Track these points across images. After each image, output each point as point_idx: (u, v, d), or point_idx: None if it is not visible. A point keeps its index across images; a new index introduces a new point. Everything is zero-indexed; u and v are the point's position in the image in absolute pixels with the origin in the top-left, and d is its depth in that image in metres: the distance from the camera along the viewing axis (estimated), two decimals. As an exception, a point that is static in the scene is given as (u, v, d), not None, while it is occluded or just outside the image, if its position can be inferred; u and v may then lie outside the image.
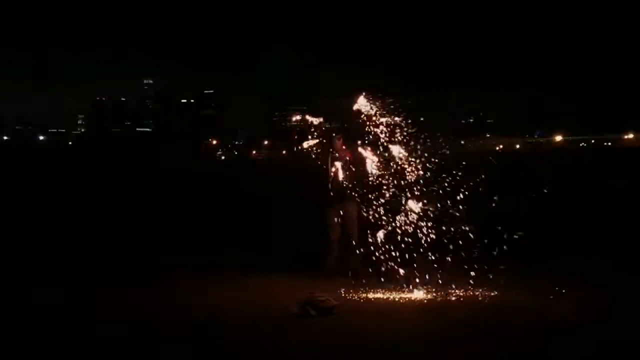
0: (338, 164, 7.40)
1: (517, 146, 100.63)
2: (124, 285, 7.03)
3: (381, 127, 7.07)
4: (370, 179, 7.07)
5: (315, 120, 7.62)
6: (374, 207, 6.96)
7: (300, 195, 10.41)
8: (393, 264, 6.75)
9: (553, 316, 5.50)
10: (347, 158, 7.44)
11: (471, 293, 6.39)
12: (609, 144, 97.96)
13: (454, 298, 6.28)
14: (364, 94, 7.19)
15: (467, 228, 6.70)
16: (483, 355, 4.66)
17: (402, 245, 6.75)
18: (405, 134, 7.01)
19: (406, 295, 6.44)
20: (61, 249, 9.25)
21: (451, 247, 6.70)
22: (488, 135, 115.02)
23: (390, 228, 6.81)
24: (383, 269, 6.76)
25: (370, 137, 7.16)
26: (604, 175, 20.04)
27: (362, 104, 7.15)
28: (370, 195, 7.03)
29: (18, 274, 7.57)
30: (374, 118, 7.10)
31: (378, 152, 7.12)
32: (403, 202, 6.82)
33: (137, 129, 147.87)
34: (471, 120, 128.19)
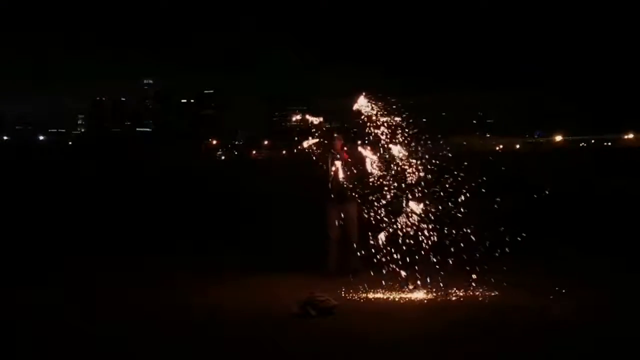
0: (338, 164, 7.39)
1: (517, 146, 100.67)
2: (124, 285, 7.03)
3: (381, 127, 7.06)
4: (371, 179, 7.06)
5: (315, 120, 7.62)
6: (374, 207, 6.95)
7: (300, 195, 10.41)
8: (394, 266, 6.74)
9: (553, 316, 5.50)
10: (347, 158, 7.43)
11: (471, 293, 6.39)
12: (609, 144, 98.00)
13: (454, 298, 6.28)
14: (364, 94, 7.18)
15: (468, 230, 6.69)
16: (483, 356, 4.66)
17: (404, 248, 6.74)
18: (405, 134, 7.00)
19: (406, 295, 6.44)
20: (61, 249, 9.25)
21: (452, 249, 6.70)
22: (488, 135, 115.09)
23: (391, 229, 6.79)
24: (384, 271, 6.75)
25: (371, 137, 7.15)
26: (604, 175, 20.04)
27: (362, 104, 7.15)
28: (370, 196, 7.02)
29: (18, 274, 7.57)
30: (374, 118, 7.10)
31: (378, 152, 7.11)
32: (404, 203, 6.80)
33: (137, 129, 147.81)
34: (474, 122, 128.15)
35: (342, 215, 7.38)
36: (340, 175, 7.34)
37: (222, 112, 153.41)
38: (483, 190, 6.83)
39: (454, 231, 6.71)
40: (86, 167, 39.75)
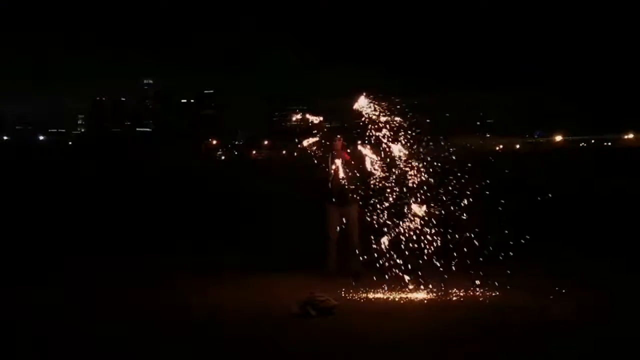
0: (338, 162, 7.38)
1: (517, 146, 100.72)
2: (124, 285, 7.02)
3: (381, 127, 7.05)
4: (371, 179, 7.05)
5: (316, 119, 7.61)
6: (375, 208, 6.92)
7: (301, 195, 10.41)
8: (397, 271, 6.71)
9: (553, 316, 5.50)
10: (347, 158, 7.43)
11: (471, 293, 6.38)
12: (609, 144, 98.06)
13: (454, 298, 6.28)
14: (364, 94, 7.17)
15: (471, 235, 6.67)
16: (483, 356, 4.66)
17: (406, 252, 6.73)
18: (405, 134, 6.99)
19: (406, 295, 6.43)
20: (61, 249, 9.25)
21: (455, 254, 6.69)
22: (488, 135, 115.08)
23: (394, 232, 6.77)
24: (387, 276, 6.73)
25: (371, 137, 7.13)
26: (604, 175, 20.06)
27: (362, 104, 7.14)
28: (371, 196, 6.99)
29: (18, 274, 7.57)
30: (374, 118, 7.09)
31: (378, 152, 7.09)
32: (406, 205, 6.77)
33: (137, 129, 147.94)
34: (475, 122, 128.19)
35: (343, 216, 7.37)
36: (341, 174, 7.33)
37: (222, 112, 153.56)
38: (487, 192, 6.81)
39: (457, 235, 6.70)
40: (86, 167, 39.78)
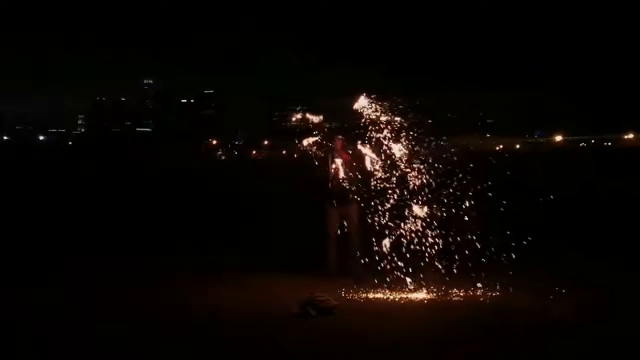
0: (338, 162, 7.38)
1: (517, 146, 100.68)
2: (124, 285, 7.02)
3: (381, 126, 7.04)
4: (372, 180, 7.04)
5: (316, 119, 7.61)
6: (376, 209, 6.89)
7: (301, 195, 10.39)
8: (399, 273, 6.70)
9: (553, 316, 5.50)
10: (347, 158, 7.42)
11: (472, 293, 6.38)
12: (609, 144, 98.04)
13: (454, 298, 6.27)
14: (364, 94, 7.17)
15: (473, 237, 6.66)
16: (483, 356, 4.66)
17: (407, 254, 6.71)
18: (406, 134, 6.98)
19: (406, 296, 6.43)
20: (61, 249, 9.24)
21: (457, 256, 6.68)
22: (488, 135, 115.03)
23: (395, 234, 6.75)
24: (388, 279, 6.72)
25: (372, 137, 7.12)
26: (604, 175, 20.05)
27: (362, 104, 7.14)
28: (372, 197, 6.98)
29: (18, 274, 7.57)
30: (374, 118, 7.08)
31: (379, 152, 7.08)
32: (407, 207, 6.75)
33: (137, 129, 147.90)
34: (475, 122, 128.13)
35: (343, 217, 7.37)
36: (341, 174, 7.32)
37: (222, 112, 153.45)
38: (488, 193, 6.80)
39: (458, 238, 6.68)
40: (86, 167, 39.76)
